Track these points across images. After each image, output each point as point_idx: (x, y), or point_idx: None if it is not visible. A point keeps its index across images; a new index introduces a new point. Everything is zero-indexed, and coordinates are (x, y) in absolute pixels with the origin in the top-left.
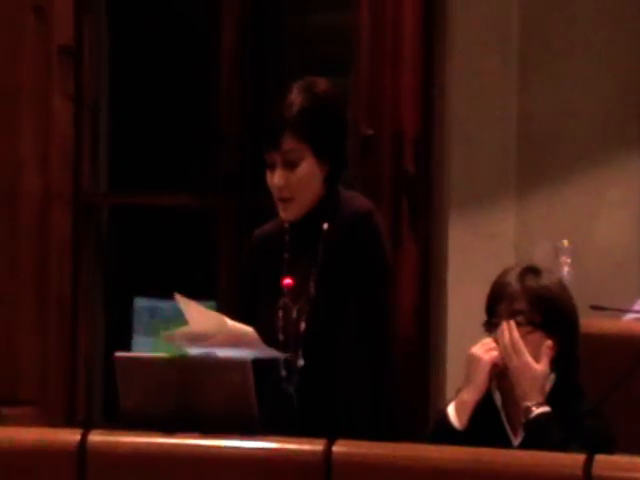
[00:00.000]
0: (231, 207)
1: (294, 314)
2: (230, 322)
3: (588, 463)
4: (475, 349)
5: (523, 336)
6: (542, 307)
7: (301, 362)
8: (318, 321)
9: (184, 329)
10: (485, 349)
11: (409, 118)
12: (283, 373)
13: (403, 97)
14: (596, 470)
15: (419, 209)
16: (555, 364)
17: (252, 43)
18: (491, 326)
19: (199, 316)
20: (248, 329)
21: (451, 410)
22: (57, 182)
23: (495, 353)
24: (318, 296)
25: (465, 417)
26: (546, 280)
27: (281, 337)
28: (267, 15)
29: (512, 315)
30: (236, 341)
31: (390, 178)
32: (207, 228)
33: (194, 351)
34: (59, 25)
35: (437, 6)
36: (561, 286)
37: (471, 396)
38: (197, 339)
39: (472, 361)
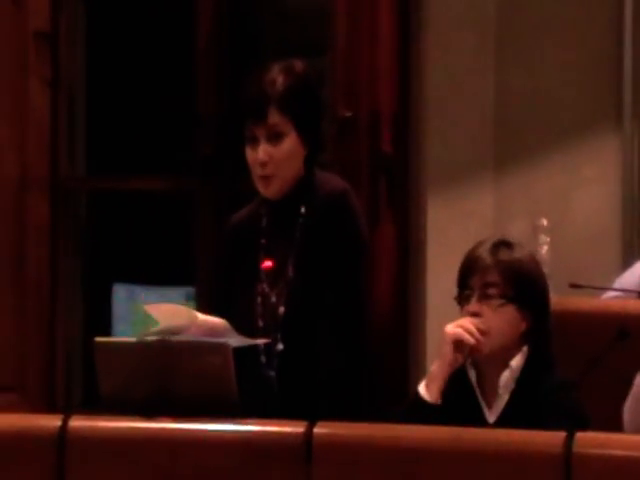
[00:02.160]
0: (209, 191)
1: (273, 299)
2: (200, 315)
3: (568, 440)
4: (448, 325)
5: (495, 309)
6: (515, 280)
7: (280, 346)
8: (297, 304)
9: (157, 327)
10: (455, 324)
11: (386, 99)
12: (263, 359)
13: (380, 78)
14: (576, 447)
15: (397, 189)
16: (527, 338)
17: (228, 24)
18: (462, 299)
19: (169, 313)
20: (219, 320)
21: (421, 386)
22: (34, 167)
23: (459, 330)
24: (296, 279)
25: (436, 390)
26: (518, 253)
27: (261, 323)
28: None
29: (484, 287)
30: (209, 332)
31: (368, 158)
32: (185, 212)
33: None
34: (35, 10)
35: None
36: (533, 259)
37: (439, 369)
38: (171, 334)
39: (442, 336)
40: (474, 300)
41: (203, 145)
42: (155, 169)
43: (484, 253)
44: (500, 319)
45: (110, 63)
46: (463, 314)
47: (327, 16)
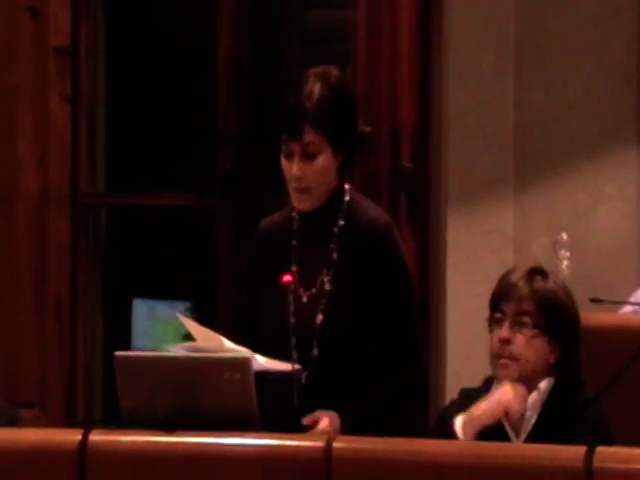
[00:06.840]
0: (229, 206)
1: (304, 299)
2: (227, 342)
3: (589, 455)
4: (513, 391)
5: (528, 340)
6: (549, 312)
7: (315, 352)
8: (337, 318)
9: (190, 343)
10: (520, 399)
11: (406, 114)
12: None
13: (400, 93)
14: (597, 462)
15: (417, 205)
16: (557, 367)
17: (249, 41)
18: (494, 321)
19: (203, 335)
20: (245, 350)
21: (458, 423)
22: (55, 183)
23: (516, 406)
24: (336, 293)
25: (472, 434)
26: (553, 284)
27: (293, 320)
28: (264, 13)
29: (518, 315)
30: None
31: (388, 174)
32: (205, 228)
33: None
34: (55, 26)
35: (434, 2)
36: (566, 290)
37: (483, 419)
38: (198, 352)
39: (504, 394)
40: (506, 326)
41: (223, 161)
42: (175, 185)
43: (520, 281)
44: (531, 349)
45: (130, 79)
46: (493, 337)
47: (348, 33)
